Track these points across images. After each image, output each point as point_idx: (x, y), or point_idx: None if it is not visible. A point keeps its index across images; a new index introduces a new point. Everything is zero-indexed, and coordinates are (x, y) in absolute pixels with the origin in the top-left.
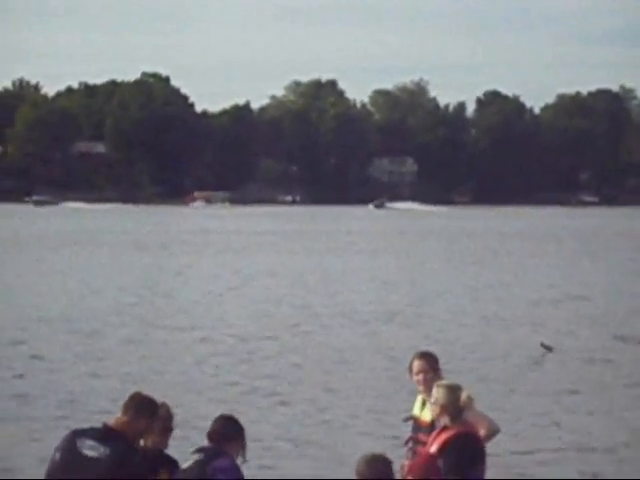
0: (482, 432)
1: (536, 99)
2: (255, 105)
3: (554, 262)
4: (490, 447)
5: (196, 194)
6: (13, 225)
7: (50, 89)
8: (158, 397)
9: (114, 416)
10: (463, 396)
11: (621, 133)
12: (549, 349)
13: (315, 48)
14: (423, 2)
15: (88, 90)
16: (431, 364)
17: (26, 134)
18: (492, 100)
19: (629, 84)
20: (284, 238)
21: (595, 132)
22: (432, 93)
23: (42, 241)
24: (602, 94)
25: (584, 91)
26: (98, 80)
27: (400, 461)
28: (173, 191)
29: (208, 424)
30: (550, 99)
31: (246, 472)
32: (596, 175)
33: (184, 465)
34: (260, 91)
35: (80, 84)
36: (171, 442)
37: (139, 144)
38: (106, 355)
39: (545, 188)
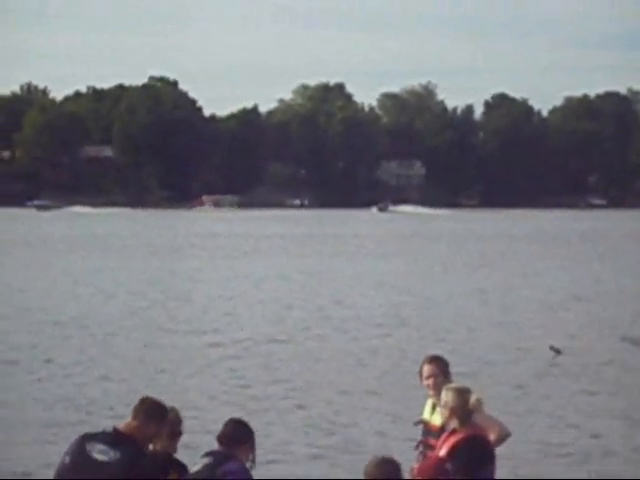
0: (492, 436)
1: (544, 102)
2: (263, 109)
3: (562, 265)
4: (500, 450)
5: (204, 198)
6: (19, 229)
7: (58, 93)
8: (170, 401)
9: (124, 420)
10: (472, 399)
11: (629, 135)
12: (558, 352)
13: (323, 52)
14: (431, 6)
15: (96, 94)
16: (441, 368)
17: (34, 138)
18: (500, 103)
19: (636, 86)
20: (292, 242)
21: (603, 135)
22: (440, 96)
23: (51, 245)
24: (610, 97)
25: (592, 94)
26: (106, 84)
27: (410, 464)
28: (181, 195)
29: (219, 428)
30: (558, 102)
31: (259, 474)
32: (603, 178)
33: (193, 468)
34: (268, 95)
35: (88, 88)
36: (181, 446)
37: (147, 148)
38: (118, 359)
39: (553, 191)
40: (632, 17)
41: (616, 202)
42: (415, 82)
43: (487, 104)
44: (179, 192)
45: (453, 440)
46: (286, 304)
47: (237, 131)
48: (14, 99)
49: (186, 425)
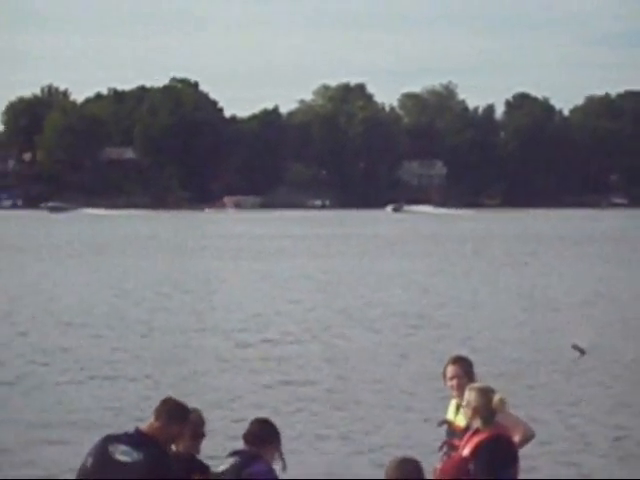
0: (517, 437)
1: (565, 101)
2: (284, 110)
3: (585, 264)
4: (523, 450)
5: (226, 199)
6: (37, 231)
7: (79, 95)
8: (197, 402)
9: (146, 422)
10: (495, 399)
11: None
12: (582, 351)
13: (343, 52)
14: (453, 5)
15: (117, 96)
16: (465, 369)
17: (55, 140)
18: (521, 102)
19: None
20: (314, 242)
21: (624, 134)
22: (461, 96)
23: (72, 247)
24: (631, 95)
25: (613, 93)
26: (127, 86)
27: (434, 465)
28: (203, 196)
29: (243, 428)
30: (579, 101)
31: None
32: (625, 177)
33: (220, 468)
34: (289, 96)
35: (109, 90)
36: (205, 446)
37: (168, 149)
38: (144, 360)
39: (575, 190)
40: None
41: (638, 201)
42: (436, 82)
43: (508, 103)
44: (200, 193)
45: (476, 440)
46: (311, 304)
47: (258, 132)
48: (35, 101)
49: (213, 426)
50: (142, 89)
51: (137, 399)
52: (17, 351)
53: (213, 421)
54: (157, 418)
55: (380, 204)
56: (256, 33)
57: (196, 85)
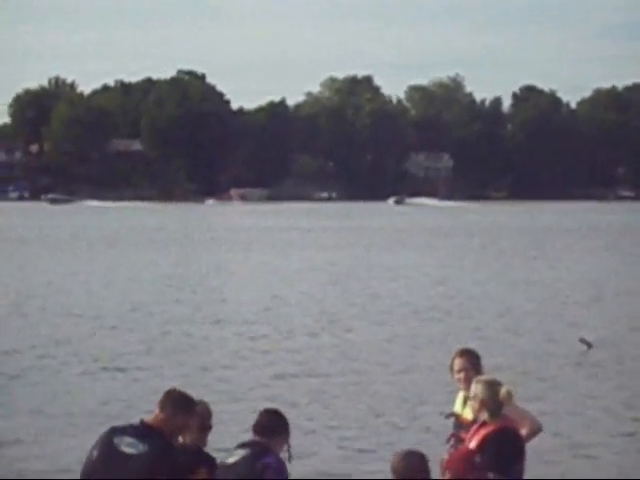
0: (524, 430)
1: (572, 94)
2: (291, 102)
3: (592, 257)
4: (529, 444)
5: (232, 191)
6: (43, 224)
7: (86, 87)
8: (205, 394)
9: (151, 413)
10: (502, 391)
11: None
12: (589, 345)
13: (351, 45)
14: None
15: (124, 88)
16: (472, 362)
17: (62, 132)
18: (528, 95)
19: None
20: (321, 234)
21: (631, 126)
22: (468, 88)
23: (78, 240)
24: (638, 88)
25: (620, 85)
26: (134, 78)
27: (440, 457)
28: (209, 188)
29: (250, 420)
30: (586, 93)
31: (294, 468)
32: (632, 169)
33: (229, 460)
34: (296, 88)
35: (116, 82)
36: (213, 438)
37: (175, 142)
38: (153, 352)
39: (582, 183)
40: None
41: None
42: (443, 74)
43: (515, 96)
44: (207, 186)
45: (483, 433)
46: (321, 296)
47: (265, 124)
48: (42, 93)
49: (224, 418)
50: (149, 81)
51: (148, 391)
52: (29, 343)
53: (224, 413)
54: (162, 409)
55: (387, 197)
56: (263, 26)
57: (203, 77)
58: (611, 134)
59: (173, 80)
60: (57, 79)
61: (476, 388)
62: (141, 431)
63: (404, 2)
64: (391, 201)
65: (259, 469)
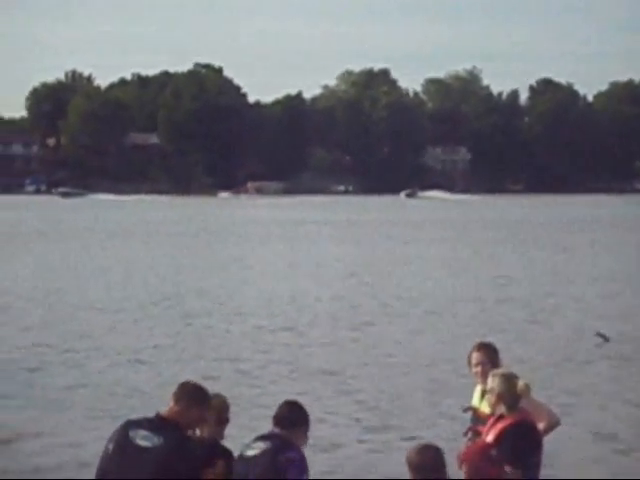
0: (541, 424)
1: (589, 87)
2: (307, 95)
3: (608, 250)
4: (546, 438)
5: (249, 185)
6: (59, 217)
7: (103, 80)
8: (222, 386)
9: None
10: (520, 384)
11: None
12: (605, 339)
13: (367, 37)
14: None
15: (141, 81)
16: (489, 355)
17: (79, 126)
18: (545, 88)
19: None
20: (336, 227)
21: None
22: (485, 81)
23: (93, 233)
24: None
25: (636, 78)
26: (151, 71)
27: (457, 452)
28: (226, 182)
29: (268, 412)
30: (603, 87)
31: (312, 462)
32: None
33: (249, 452)
34: (312, 81)
35: (133, 75)
36: (230, 431)
37: (192, 135)
38: (169, 345)
39: (598, 176)
40: None
41: None
42: (460, 67)
43: (532, 89)
44: (224, 179)
45: (500, 426)
46: (344, 290)
47: (282, 117)
48: (59, 86)
49: (242, 410)
50: (166, 74)
51: (169, 384)
52: (49, 336)
53: (243, 406)
54: (177, 402)
55: (403, 190)
56: (279, 19)
57: (220, 70)
58: (628, 127)
59: (190, 73)
60: (74, 72)
61: (493, 382)
62: (156, 424)
63: None
64: (403, 194)
65: (282, 463)
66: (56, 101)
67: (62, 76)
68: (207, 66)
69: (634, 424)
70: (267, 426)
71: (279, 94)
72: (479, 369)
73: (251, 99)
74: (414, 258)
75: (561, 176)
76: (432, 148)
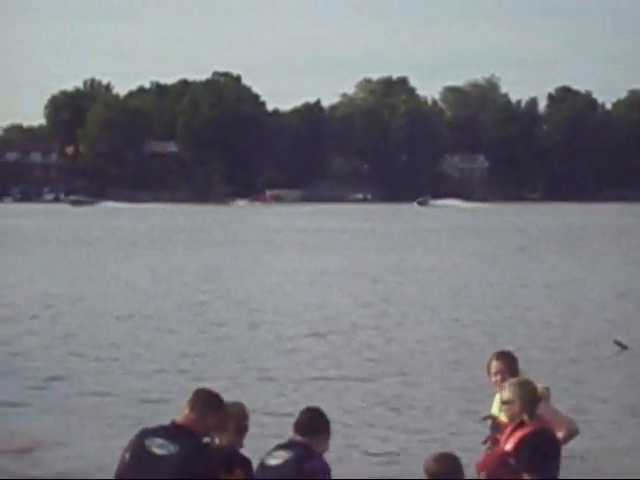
0: (560, 433)
1: (608, 95)
2: (326, 103)
3: (627, 259)
4: (565, 446)
5: (268, 193)
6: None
7: (121, 89)
8: (242, 394)
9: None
10: (540, 387)
11: None
12: (624, 347)
13: (385, 46)
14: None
15: (160, 89)
16: (508, 364)
17: (98, 134)
18: (563, 96)
19: None
20: (354, 236)
21: None
22: (503, 89)
23: (109, 241)
24: None
25: None
26: (170, 80)
27: (477, 460)
28: (245, 190)
29: (287, 419)
30: (622, 95)
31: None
32: None
33: (271, 461)
34: (331, 89)
35: (152, 84)
36: (250, 440)
37: (211, 143)
38: (189, 353)
39: (617, 184)
40: None
41: None
42: (478, 75)
43: (551, 97)
44: (243, 187)
45: (519, 435)
46: (367, 297)
47: (300, 126)
48: (77, 95)
49: (262, 418)
50: (184, 83)
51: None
52: (72, 344)
53: (263, 414)
54: (192, 409)
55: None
56: (298, 27)
57: (238, 79)
58: None
59: (208, 82)
60: (93, 80)
61: (510, 392)
62: (172, 432)
63: (439, 3)
64: (415, 203)
65: (307, 472)
66: (75, 109)
67: (81, 84)
68: (226, 74)
69: None
70: (289, 433)
71: (298, 102)
72: (498, 378)
73: (269, 107)
74: (428, 266)
75: (579, 184)
76: (450, 156)
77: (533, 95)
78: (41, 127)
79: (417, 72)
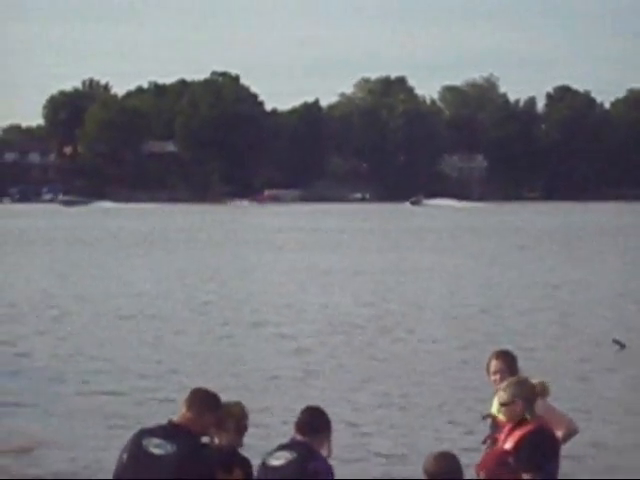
0: (559, 433)
1: (606, 94)
2: (324, 103)
3: (626, 258)
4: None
5: (266, 193)
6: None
7: (120, 89)
8: (241, 394)
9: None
10: (538, 384)
11: None
12: (622, 345)
13: (384, 46)
14: None
15: (158, 89)
16: (508, 363)
17: (96, 134)
18: (562, 95)
19: None
20: (353, 235)
21: None
22: (502, 89)
23: (110, 241)
24: None
25: None
26: (168, 79)
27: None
28: (243, 190)
29: (291, 419)
30: (620, 94)
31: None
32: None
33: (273, 462)
34: (329, 89)
35: (150, 83)
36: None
37: (209, 143)
38: (189, 353)
39: (616, 183)
40: None
41: None
42: (477, 74)
43: (549, 96)
44: (241, 187)
45: (519, 433)
46: (369, 297)
47: (298, 125)
48: (76, 95)
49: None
50: (183, 83)
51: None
52: (73, 346)
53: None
54: (189, 408)
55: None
56: (296, 27)
57: (237, 79)
58: None
59: (207, 81)
60: (91, 81)
61: (511, 393)
62: (169, 431)
63: (438, 3)
64: (408, 203)
65: (310, 473)
66: (73, 109)
67: (79, 84)
68: (224, 74)
69: None
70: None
71: (296, 102)
72: (497, 377)
73: (268, 107)
74: (427, 266)
75: (578, 183)
76: (449, 156)
77: (532, 94)
78: (39, 127)
79: (415, 72)
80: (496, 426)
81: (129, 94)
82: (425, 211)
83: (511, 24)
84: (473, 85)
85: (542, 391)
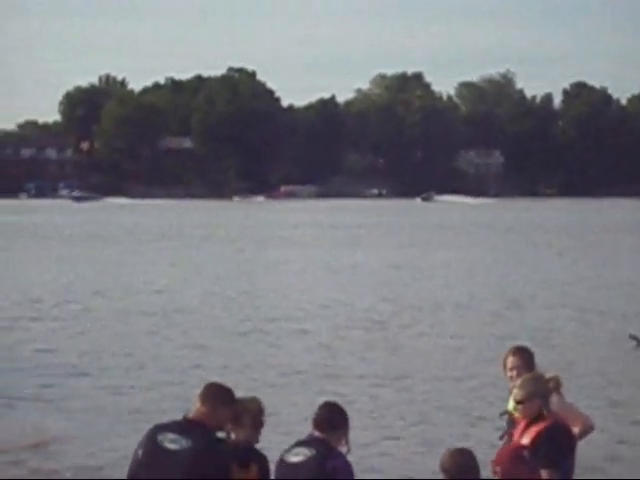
0: (575, 429)
1: (623, 90)
2: (341, 99)
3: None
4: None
5: (282, 189)
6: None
7: (136, 85)
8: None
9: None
10: (551, 379)
11: None
12: (639, 341)
13: (401, 41)
14: None
15: (175, 85)
16: (525, 360)
17: (113, 130)
18: (579, 91)
19: None
20: (370, 232)
21: None
22: (519, 85)
23: (127, 237)
24: None
25: None
26: (184, 75)
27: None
28: (260, 186)
29: (304, 416)
30: (636, 90)
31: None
32: None
33: (292, 458)
34: (346, 85)
35: (166, 79)
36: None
37: (226, 139)
38: (209, 348)
39: (633, 180)
40: None
41: None
42: (493, 70)
43: (566, 92)
44: (258, 183)
45: (536, 429)
46: (376, 293)
47: (315, 121)
48: (92, 91)
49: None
50: (199, 79)
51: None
52: (95, 341)
53: (281, 409)
54: (203, 403)
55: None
56: (313, 23)
57: (253, 74)
58: None
59: (223, 77)
60: (108, 76)
61: (528, 390)
62: (184, 427)
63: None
64: (419, 199)
65: (329, 470)
66: (90, 105)
67: (96, 80)
68: (240, 70)
69: None
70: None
71: (312, 98)
72: (514, 373)
73: (284, 103)
74: (444, 261)
75: (595, 180)
76: (465, 152)
77: (548, 91)
78: (56, 123)
79: (432, 67)
80: (512, 422)
81: (146, 90)
82: (437, 207)
83: (528, 21)
84: (490, 81)
85: (556, 385)
